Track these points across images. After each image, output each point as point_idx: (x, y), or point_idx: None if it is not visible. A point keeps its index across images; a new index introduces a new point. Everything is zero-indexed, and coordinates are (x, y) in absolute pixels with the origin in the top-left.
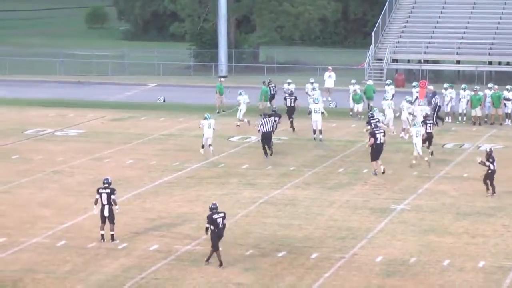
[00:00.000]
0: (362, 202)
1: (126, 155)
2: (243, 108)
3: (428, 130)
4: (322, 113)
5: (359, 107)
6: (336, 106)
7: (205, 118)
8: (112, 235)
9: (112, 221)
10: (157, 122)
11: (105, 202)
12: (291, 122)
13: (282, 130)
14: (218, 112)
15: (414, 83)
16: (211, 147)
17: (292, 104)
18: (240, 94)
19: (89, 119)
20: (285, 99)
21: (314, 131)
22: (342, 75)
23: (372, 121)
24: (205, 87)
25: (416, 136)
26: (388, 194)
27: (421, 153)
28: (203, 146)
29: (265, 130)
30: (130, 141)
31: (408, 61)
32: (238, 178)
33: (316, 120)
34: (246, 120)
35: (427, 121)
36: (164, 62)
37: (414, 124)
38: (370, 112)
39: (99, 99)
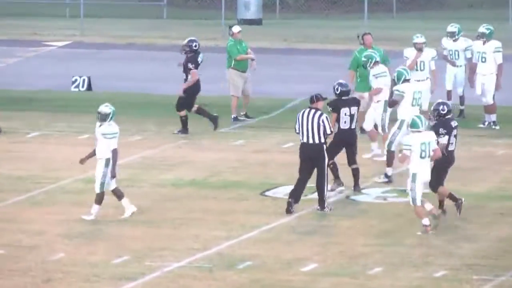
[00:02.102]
0: None
1: None
2: None
3: None
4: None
5: None
6: None
7: (101, 122)
8: None
9: None
10: (71, 145)
11: None
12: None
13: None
14: (241, 115)
15: None
16: (124, 201)
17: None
18: None
19: None
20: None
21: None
22: None
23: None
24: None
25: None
26: None
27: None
28: (97, 200)
29: (330, 131)
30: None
31: None
32: None
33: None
34: None
35: None
36: None
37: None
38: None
39: None
